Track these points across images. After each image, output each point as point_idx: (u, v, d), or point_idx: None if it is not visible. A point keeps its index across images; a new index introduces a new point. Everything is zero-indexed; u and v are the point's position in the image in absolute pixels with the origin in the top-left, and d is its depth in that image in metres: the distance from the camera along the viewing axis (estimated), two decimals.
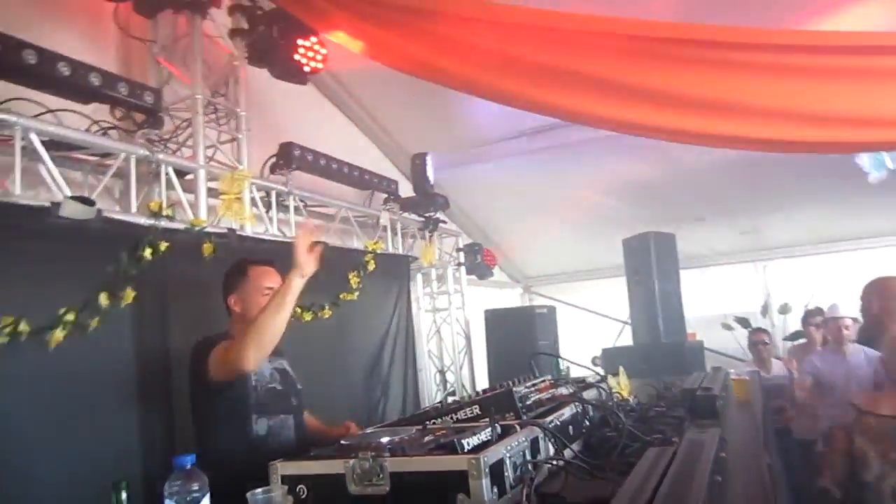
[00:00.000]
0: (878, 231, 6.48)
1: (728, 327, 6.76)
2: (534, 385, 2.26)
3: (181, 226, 3.13)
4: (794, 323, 6.34)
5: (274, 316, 2.22)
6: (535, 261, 8.15)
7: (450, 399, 5.38)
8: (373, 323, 4.90)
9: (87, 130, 2.97)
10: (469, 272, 6.21)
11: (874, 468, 2.55)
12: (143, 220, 2.93)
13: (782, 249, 7.05)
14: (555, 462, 1.78)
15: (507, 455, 1.62)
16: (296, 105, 4.58)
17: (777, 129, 3.02)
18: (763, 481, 1.76)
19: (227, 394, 2.34)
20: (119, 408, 2.84)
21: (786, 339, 6.52)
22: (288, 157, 4.00)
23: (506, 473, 1.59)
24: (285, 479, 1.69)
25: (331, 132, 5.04)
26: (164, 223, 2.99)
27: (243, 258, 2.72)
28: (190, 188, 3.36)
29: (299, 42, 3.80)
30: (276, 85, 4.01)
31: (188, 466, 1.53)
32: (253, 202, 3.73)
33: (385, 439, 1.78)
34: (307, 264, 2.30)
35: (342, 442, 1.91)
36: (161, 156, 3.16)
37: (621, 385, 2.69)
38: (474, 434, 1.71)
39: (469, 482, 1.48)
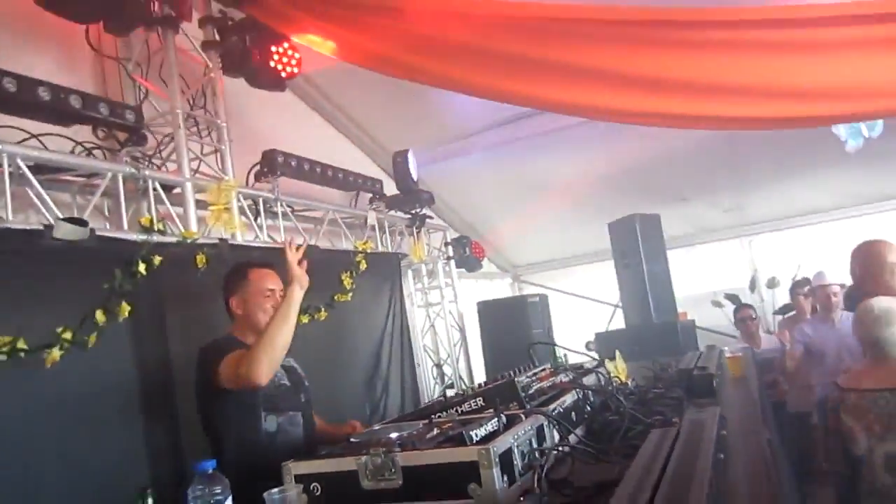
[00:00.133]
0: (859, 199, 6.56)
1: (718, 304, 6.85)
2: (535, 374, 2.30)
3: (173, 239, 3.15)
4: (783, 296, 6.43)
5: (281, 328, 2.32)
6: (523, 250, 8.20)
7: (449, 392, 5.43)
8: (369, 322, 4.94)
9: (72, 152, 2.98)
10: (459, 265, 6.26)
11: (861, 442, 2.61)
12: (136, 236, 2.95)
13: (766, 224, 7.12)
14: (561, 448, 1.83)
15: (515, 444, 1.67)
16: (275, 112, 4.58)
17: (753, 107, 3.05)
18: (764, 457, 1.81)
19: (236, 394, 2.37)
20: (123, 421, 2.86)
21: (776, 312, 6.61)
22: (272, 164, 4.01)
23: (514, 462, 1.64)
24: (299, 478, 1.73)
25: (312, 136, 5.05)
26: (156, 238, 3.01)
27: (243, 261, 2.77)
28: (178, 202, 3.37)
29: (273, 49, 3.82)
30: (253, 93, 4.02)
31: (210, 472, 1.56)
32: (241, 211, 3.74)
33: (394, 435, 1.83)
34: (302, 277, 2.44)
35: (352, 440, 1.95)
36: (147, 172, 3.17)
37: (619, 369, 2.74)
38: (481, 425, 1.75)
39: (480, 472, 1.53)
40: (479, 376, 5.83)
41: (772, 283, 6.94)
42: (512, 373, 2.27)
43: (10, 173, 2.58)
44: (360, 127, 5.64)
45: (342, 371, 4.46)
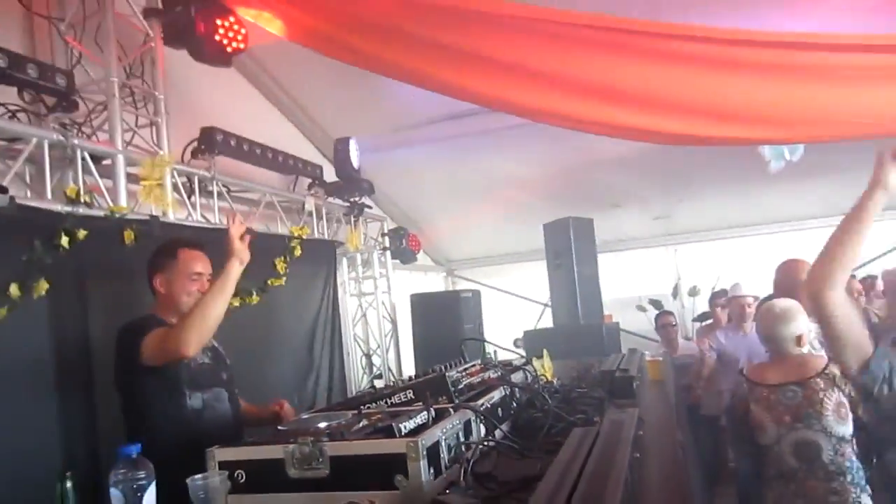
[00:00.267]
0: (779, 217, 6.91)
1: (642, 309, 7.09)
2: (465, 369, 2.34)
3: (100, 212, 3.03)
4: (702, 304, 6.73)
5: (215, 302, 2.28)
6: (458, 245, 8.27)
7: (377, 382, 5.44)
8: (301, 308, 4.89)
9: None
10: (394, 257, 6.27)
11: (770, 432, 2.78)
12: (60, 207, 2.82)
13: (691, 234, 7.42)
14: (487, 443, 1.87)
15: (443, 437, 1.69)
16: (216, 87, 4.45)
17: (678, 124, 3.19)
18: (676, 457, 1.91)
19: (159, 373, 2.32)
20: (36, 400, 2.74)
21: (695, 319, 6.90)
22: (210, 142, 3.91)
23: (441, 455, 1.67)
24: (223, 465, 1.70)
25: (253, 116, 4.95)
26: (81, 210, 2.89)
27: (174, 238, 2.68)
28: (107, 174, 3.24)
29: (218, 22, 3.70)
30: (194, 67, 3.87)
31: (133, 456, 1.52)
32: (174, 188, 3.63)
33: (323, 424, 1.82)
34: (243, 251, 2.39)
35: (280, 427, 1.93)
36: (76, 141, 3.04)
37: (545, 367, 2.81)
38: (410, 418, 1.77)
39: (407, 464, 1.54)
40: (409, 368, 5.86)
41: (693, 292, 7.24)
42: (443, 367, 2.30)
43: None
44: (304, 110, 5.56)
45: (272, 357, 4.41)
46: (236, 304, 3.89)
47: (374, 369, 5.88)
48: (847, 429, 2.71)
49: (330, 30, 3.39)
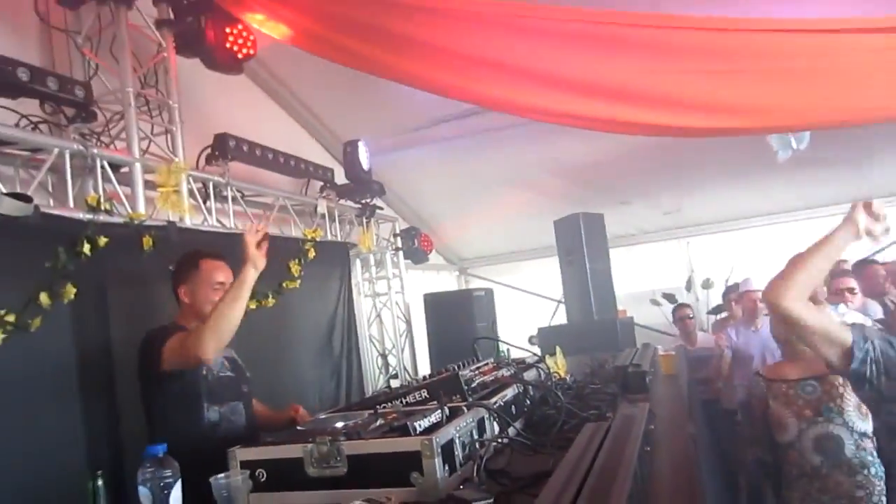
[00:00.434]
0: (791, 206, 6.87)
1: (656, 303, 7.09)
2: (478, 368, 2.38)
3: (119, 219, 3.10)
4: (716, 297, 6.72)
5: (231, 307, 2.32)
6: (470, 243, 8.30)
7: (393, 382, 5.50)
8: (317, 309, 4.94)
9: (17, 125, 2.90)
10: (406, 257, 6.31)
11: (791, 428, 2.79)
12: (82, 215, 2.89)
13: (703, 226, 7.38)
14: (500, 440, 1.91)
15: (457, 435, 1.74)
16: (228, 95, 4.52)
17: (681, 117, 3.18)
18: (687, 450, 1.94)
19: (179, 383, 2.38)
20: (61, 405, 2.81)
21: (709, 312, 6.89)
22: (223, 148, 3.98)
23: (456, 452, 1.72)
24: (244, 464, 1.77)
25: (264, 121, 5.01)
26: (102, 217, 2.95)
27: (196, 249, 2.74)
28: (126, 181, 3.31)
29: (227, 30, 3.76)
30: (206, 75, 3.95)
31: (160, 455, 1.58)
32: (190, 194, 3.70)
33: (340, 424, 1.88)
34: (258, 258, 2.43)
35: (299, 427, 1.99)
36: (95, 150, 3.10)
37: (558, 364, 2.85)
38: (424, 417, 1.82)
39: (422, 461, 1.60)
40: (424, 367, 5.91)
41: (706, 284, 7.22)
42: (456, 366, 2.35)
43: None
44: (314, 114, 5.62)
45: (289, 359, 4.47)
46: (252, 306, 3.95)
47: (390, 369, 5.93)
48: (868, 425, 2.72)
49: (328, 33, 3.42)
